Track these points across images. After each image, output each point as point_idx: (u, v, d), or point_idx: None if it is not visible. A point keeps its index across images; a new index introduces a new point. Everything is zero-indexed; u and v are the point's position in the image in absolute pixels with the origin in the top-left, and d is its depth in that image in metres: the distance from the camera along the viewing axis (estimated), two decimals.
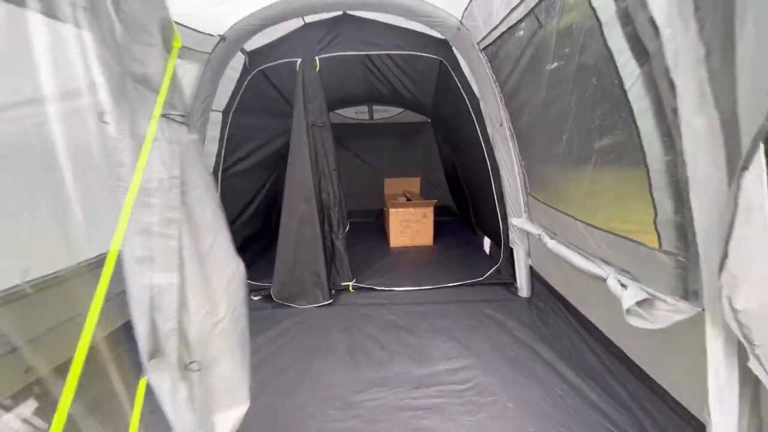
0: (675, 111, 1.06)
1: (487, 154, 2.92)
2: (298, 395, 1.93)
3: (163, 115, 0.78)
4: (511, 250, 2.99)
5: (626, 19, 1.17)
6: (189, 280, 0.83)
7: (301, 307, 2.84)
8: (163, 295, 0.80)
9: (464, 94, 2.95)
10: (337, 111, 4.86)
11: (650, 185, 1.31)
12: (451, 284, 3.13)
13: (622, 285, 1.53)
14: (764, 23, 0.81)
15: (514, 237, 2.93)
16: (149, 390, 0.83)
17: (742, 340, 0.95)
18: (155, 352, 0.82)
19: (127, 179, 0.73)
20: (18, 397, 0.82)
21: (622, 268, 1.59)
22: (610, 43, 1.25)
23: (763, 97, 0.83)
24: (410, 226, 4.27)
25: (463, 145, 3.59)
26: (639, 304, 1.40)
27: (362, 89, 4.05)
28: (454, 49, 2.80)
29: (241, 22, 2.49)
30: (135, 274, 0.77)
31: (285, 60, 2.84)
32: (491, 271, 3.16)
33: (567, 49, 1.52)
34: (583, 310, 2.15)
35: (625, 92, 1.27)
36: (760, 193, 0.81)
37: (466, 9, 2.35)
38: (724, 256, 0.90)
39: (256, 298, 2.97)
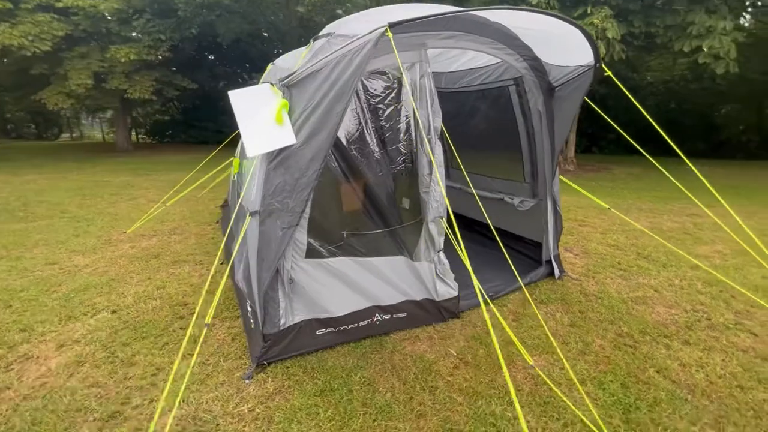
0: (533, 136, 3.42)
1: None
2: None
3: (440, 138, 2.50)
4: None
5: (524, 108, 3.47)
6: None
7: None
8: (438, 196, 2.55)
9: None
10: None
11: (522, 159, 3.70)
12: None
13: (511, 199, 3.94)
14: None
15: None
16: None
17: (552, 200, 3.42)
18: (427, 216, 2.58)
19: (434, 154, 2.46)
20: None
21: (510, 193, 4.01)
22: (515, 109, 3.53)
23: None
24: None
25: None
26: (520, 203, 3.83)
27: None
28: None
29: None
30: (434, 187, 2.51)
31: None
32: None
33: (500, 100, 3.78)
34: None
35: (518, 126, 3.59)
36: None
37: None
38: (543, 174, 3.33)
39: None
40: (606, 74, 2.38)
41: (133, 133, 22.90)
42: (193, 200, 6.70)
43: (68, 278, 3.64)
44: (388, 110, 2.38)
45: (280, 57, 3.75)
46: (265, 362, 2.34)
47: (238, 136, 5.31)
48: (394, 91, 2.36)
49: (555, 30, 2.28)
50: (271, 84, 1.97)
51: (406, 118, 2.43)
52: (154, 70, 13.60)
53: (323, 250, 2.38)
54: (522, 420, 1.49)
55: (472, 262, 3.94)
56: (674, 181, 2.97)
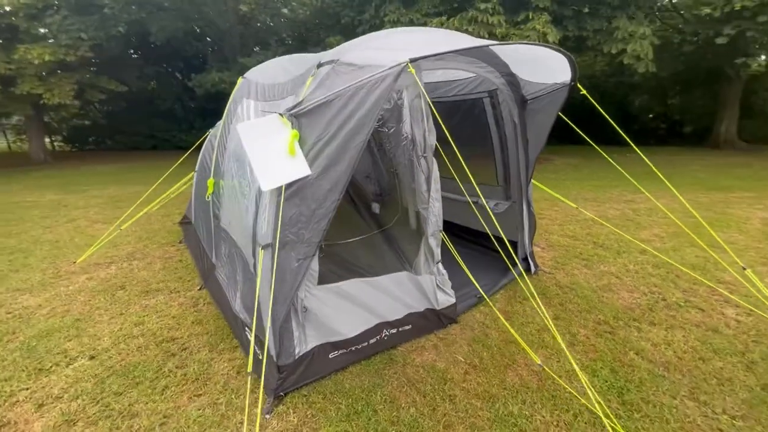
0: (505, 142, 3.65)
1: None
2: None
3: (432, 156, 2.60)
4: None
5: (497, 117, 3.67)
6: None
7: None
8: (437, 211, 2.64)
9: None
10: None
11: (495, 165, 3.94)
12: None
13: (486, 202, 4.17)
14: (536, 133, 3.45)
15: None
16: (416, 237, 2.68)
17: (527, 202, 3.69)
18: (427, 231, 2.68)
19: (431, 171, 2.55)
20: None
21: (486, 196, 4.24)
22: (489, 119, 3.74)
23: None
24: None
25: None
26: (495, 205, 4.07)
27: None
28: None
29: None
30: (433, 203, 2.61)
31: None
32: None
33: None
34: (469, 224, 4.80)
35: (491, 134, 3.80)
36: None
37: None
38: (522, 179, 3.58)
39: None
40: (581, 92, 2.63)
41: (47, 140, 20.35)
42: (144, 218, 6.19)
43: (22, 324, 3.24)
44: (390, 131, 2.42)
45: (253, 70, 3.59)
46: (282, 393, 2.30)
47: (199, 146, 5.02)
48: (395, 112, 2.41)
49: (540, 55, 2.47)
50: (280, 114, 1.92)
51: (405, 138, 2.49)
52: (74, 72, 12.18)
53: (334, 274, 2.38)
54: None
55: (455, 264, 4.07)
56: (623, 171, 3.33)
